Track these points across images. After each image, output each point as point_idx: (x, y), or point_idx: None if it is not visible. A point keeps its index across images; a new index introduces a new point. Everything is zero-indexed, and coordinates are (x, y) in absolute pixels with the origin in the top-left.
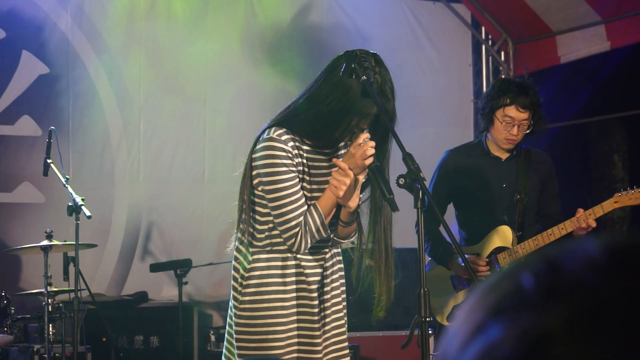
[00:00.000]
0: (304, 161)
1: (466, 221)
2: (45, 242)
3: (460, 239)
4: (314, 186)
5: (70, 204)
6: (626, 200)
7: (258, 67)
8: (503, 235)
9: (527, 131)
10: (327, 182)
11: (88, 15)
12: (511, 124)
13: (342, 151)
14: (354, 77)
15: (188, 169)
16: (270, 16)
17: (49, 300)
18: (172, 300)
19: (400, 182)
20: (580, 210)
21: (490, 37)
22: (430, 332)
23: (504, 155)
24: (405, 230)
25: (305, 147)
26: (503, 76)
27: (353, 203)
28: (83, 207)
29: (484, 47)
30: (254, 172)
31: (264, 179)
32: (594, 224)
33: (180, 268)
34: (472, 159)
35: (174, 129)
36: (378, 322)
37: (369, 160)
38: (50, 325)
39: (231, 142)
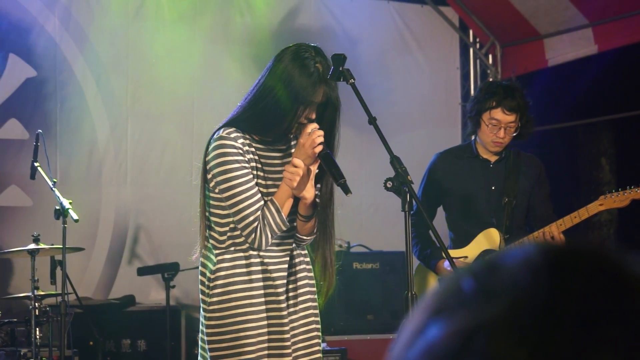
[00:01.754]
0: (257, 158)
1: (455, 223)
2: (32, 246)
3: (449, 241)
4: (269, 182)
5: (57, 207)
6: (611, 203)
7: (246, 70)
8: (491, 238)
9: (515, 134)
10: (281, 178)
11: (75, 18)
12: (498, 126)
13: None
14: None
15: (176, 171)
16: (259, 19)
17: (36, 304)
18: (160, 303)
19: (388, 186)
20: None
21: (478, 40)
22: None
23: (493, 158)
24: (393, 233)
25: (256, 145)
26: (491, 79)
27: (309, 194)
28: (70, 211)
29: (471, 50)
30: (209, 175)
31: (219, 178)
32: (557, 235)
33: (167, 271)
34: (461, 161)
35: (162, 132)
36: (366, 325)
37: (319, 149)
38: (37, 329)
39: None
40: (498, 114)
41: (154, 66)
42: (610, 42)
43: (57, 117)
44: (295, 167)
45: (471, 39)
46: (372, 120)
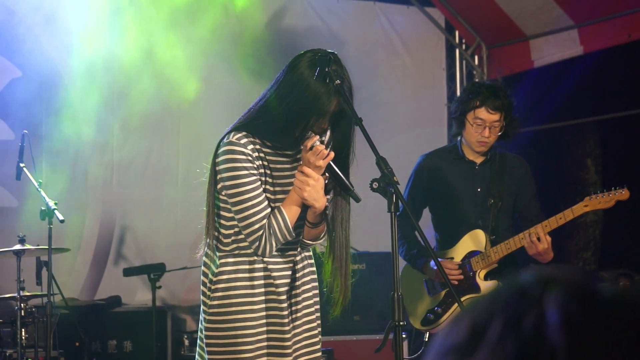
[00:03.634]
0: (265, 164)
1: (440, 225)
2: (18, 247)
3: (435, 242)
4: (277, 188)
5: (43, 208)
6: (596, 204)
7: (232, 71)
8: (477, 239)
9: (500, 133)
10: (290, 185)
11: (62, 19)
12: (482, 126)
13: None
14: (327, 81)
15: (162, 173)
16: (245, 20)
17: (22, 304)
18: (146, 304)
19: (374, 186)
20: (539, 227)
21: (464, 41)
22: (404, 336)
23: (479, 160)
24: (379, 234)
25: (266, 150)
26: (477, 80)
27: (319, 204)
28: (56, 212)
29: (457, 51)
30: (217, 177)
31: (226, 183)
32: (542, 236)
33: (153, 272)
34: (447, 163)
35: (148, 133)
36: (352, 326)
37: (331, 156)
38: (23, 330)
39: (205, 145)
40: (482, 113)
41: (140, 67)
42: (595, 43)
43: (43, 118)
44: (307, 175)
45: (457, 40)
46: (358, 121)
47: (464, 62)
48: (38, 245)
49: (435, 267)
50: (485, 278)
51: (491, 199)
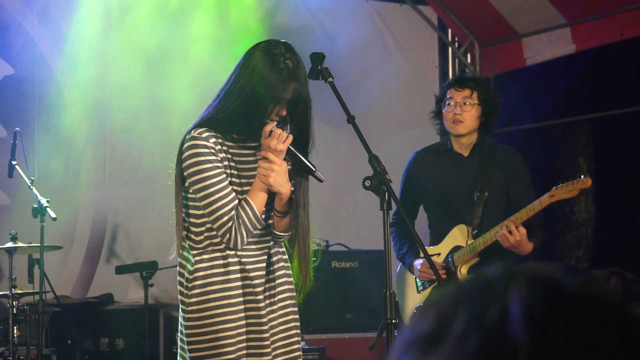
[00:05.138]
0: (229, 157)
1: (433, 221)
2: (10, 244)
3: (428, 238)
4: (243, 180)
5: (35, 205)
6: (561, 194)
7: (225, 70)
8: (460, 234)
9: (475, 113)
10: (255, 176)
11: (54, 16)
12: (453, 103)
13: None
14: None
15: (154, 170)
16: (237, 18)
17: (14, 302)
18: (138, 302)
19: (367, 184)
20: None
21: (456, 39)
22: (396, 333)
23: (466, 151)
24: (372, 232)
25: (229, 143)
26: None
27: (285, 189)
28: (48, 209)
29: (450, 49)
30: (184, 174)
31: (193, 178)
32: (514, 229)
33: (146, 270)
34: (436, 158)
35: (140, 130)
36: (345, 323)
37: (289, 140)
38: (15, 327)
39: None
40: (451, 92)
41: (133, 65)
42: (588, 41)
43: (35, 115)
44: (270, 161)
45: (450, 38)
46: (351, 119)
47: (457, 60)
48: (30, 243)
49: (419, 267)
50: (469, 272)
51: (477, 192)
